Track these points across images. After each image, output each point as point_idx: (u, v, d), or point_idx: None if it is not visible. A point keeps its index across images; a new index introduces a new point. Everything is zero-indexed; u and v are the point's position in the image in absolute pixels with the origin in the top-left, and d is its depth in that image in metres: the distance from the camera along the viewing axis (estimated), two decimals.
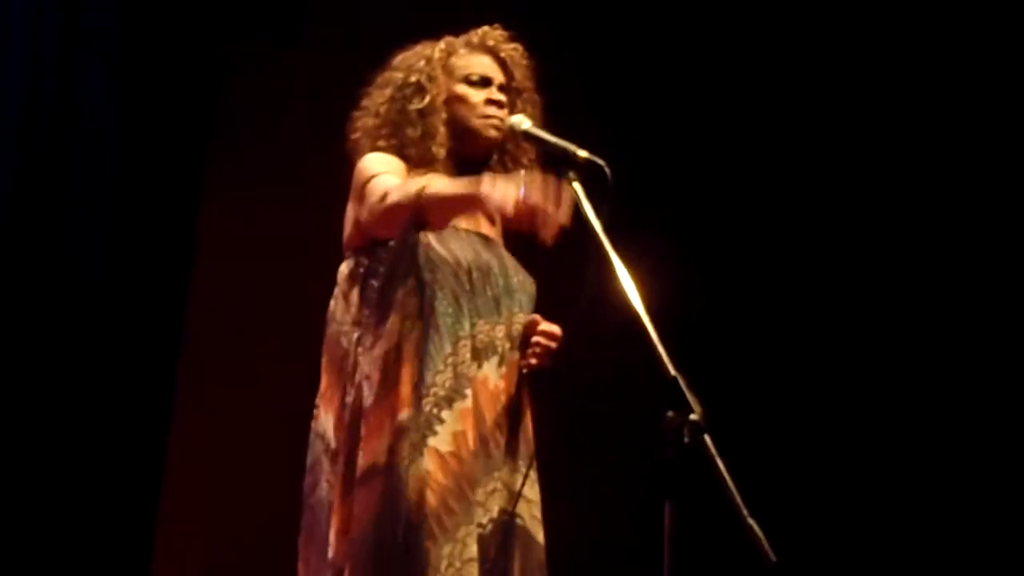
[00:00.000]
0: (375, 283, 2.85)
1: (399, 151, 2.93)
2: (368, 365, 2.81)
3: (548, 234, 2.55)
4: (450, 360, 2.80)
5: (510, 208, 2.56)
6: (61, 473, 4.00)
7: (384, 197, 2.77)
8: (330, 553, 2.75)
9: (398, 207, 2.74)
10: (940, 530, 4.93)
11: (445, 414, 2.78)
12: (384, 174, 2.85)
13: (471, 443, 2.79)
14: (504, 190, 2.57)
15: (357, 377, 2.81)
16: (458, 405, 2.79)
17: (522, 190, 2.56)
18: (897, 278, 5.14)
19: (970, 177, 5.09)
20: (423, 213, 2.73)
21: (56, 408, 4.01)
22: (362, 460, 2.74)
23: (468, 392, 2.81)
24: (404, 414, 2.75)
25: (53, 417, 4.00)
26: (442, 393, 2.78)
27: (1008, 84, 5.05)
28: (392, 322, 2.77)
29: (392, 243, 2.85)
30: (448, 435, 2.77)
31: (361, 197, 2.87)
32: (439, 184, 2.75)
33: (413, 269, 2.81)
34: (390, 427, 2.74)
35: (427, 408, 2.75)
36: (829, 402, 5.08)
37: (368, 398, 2.78)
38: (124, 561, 4.09)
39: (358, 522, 2.72)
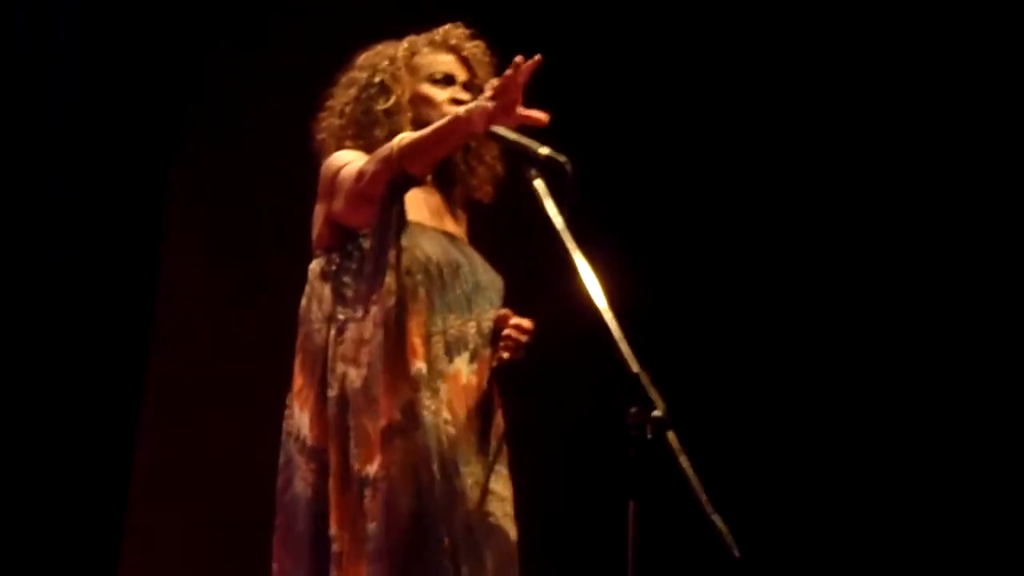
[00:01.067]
0: (347, 279, 2.85)
1: (367, 151, 2.92)
2: (356, 338, 2.79)
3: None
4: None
5: (491, 109, 2.63)
6: (26, 470, 4.00)
7: (360, 176, 2.78)
8: (334, 547, 2.74)
9: (377, 174, 2.75)
10: (905, 523, 4.93)
11: None
12: (352, 162, 2.86)
13: None
14: (479, 103, 2.66)
15: (339, 368, 2.79)
16: None
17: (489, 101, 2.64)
18: (857, 270, 5.15)
19: (924, 166, 5.11)
20: (403, 165, 2.73)
21: (24, 407, 4.00)
22: (381, 422, 2.72)
23: (442, 387, 2.81)
24: (418, 365, 2.75)
25: (21, 416, 3.99)
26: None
27: (994, 83, 5.05)
28: (389, 281, 2.76)
29: (362, 238, 2.85)
30: None
31: (331, 193, 2.88)
32: (410, 135, 2.78)
33: (400, 231, 2.79)
34: (404, 382, 2.74)
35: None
36: (792, 398, 5.08)
37: (358, 377, 2.76)
38: (92, 556, 4.08)
39: (388, 480, 2.70)
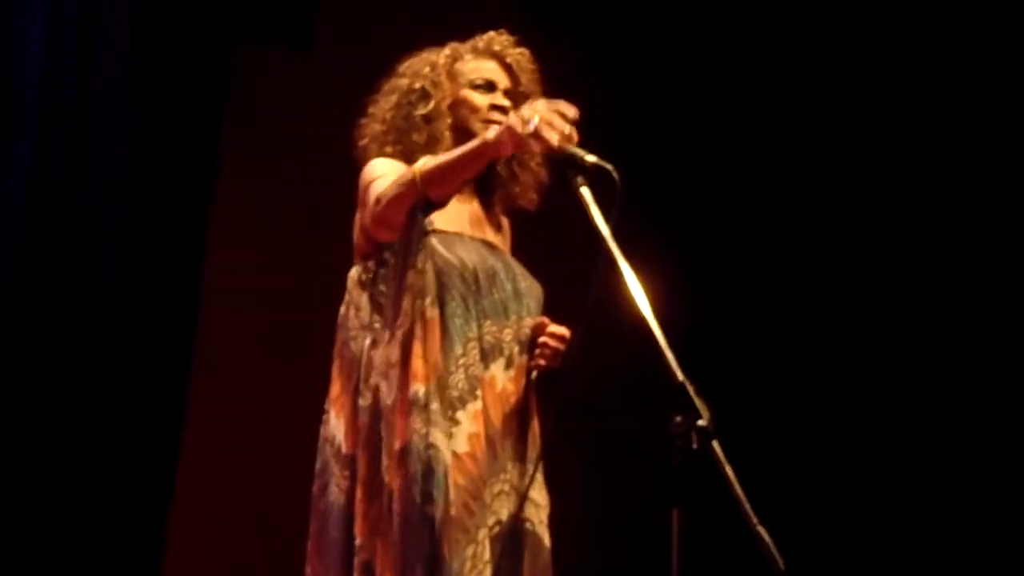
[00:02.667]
0: (384, 287, 2.85)
1: (406, 157, 2.93)
2: (384, 360, 2.79)
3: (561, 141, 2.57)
4: (461, 362, 2.80)
5: (520, 133, 2.59)
6: (73, 482, 4.01)
7: (378, 200, 2.78)
8: (360, 555, 2.74)
9: (396, 200, 2.75)
10: (949, 534, 4.91)
11: (460, 415, 2.77)
12: (383, 177, 2.85)
13: (483, 444, 2.79)
14: (508, 123, 2.62)
15: (373, 379, 2.80)
16: (471, 406, 2.80)
17: (529, 124, 2.57)
18: (907, 288, 5.13)
19: (980, 193, 5.09)
20: (425, 190, 2.72)
21: (65, 413, 4.02)
22: (397, 444, 2.74)
23: (479, 393, 2.81)
24: (416, 387, 2.74)
25: (61, 421, 4.01)
26: (455, 394, 2.78)
27: (1008, 84, 5.03)
28: (406, 305, 2.77)
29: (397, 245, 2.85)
30: (464, 437, 2.77)
31: (364, 204, 2.87)
32: (432, 159, 2.76)
33: (420, 249, 2.79)
34: (404, 403, 2.74)
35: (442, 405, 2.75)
36: (839, 408, 5.07)
37: (390, 393, 2.77)
38: (136, 556, 4.11)
39: (399, 497, 2.71)
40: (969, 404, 4.99)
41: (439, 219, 2.85)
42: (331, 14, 4.66)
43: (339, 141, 3.15)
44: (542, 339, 2.91)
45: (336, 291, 2.98)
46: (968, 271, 5.07)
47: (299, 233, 4.52)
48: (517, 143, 2.64)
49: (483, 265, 2.88)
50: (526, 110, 2.62)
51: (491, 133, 2.68)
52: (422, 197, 2.74)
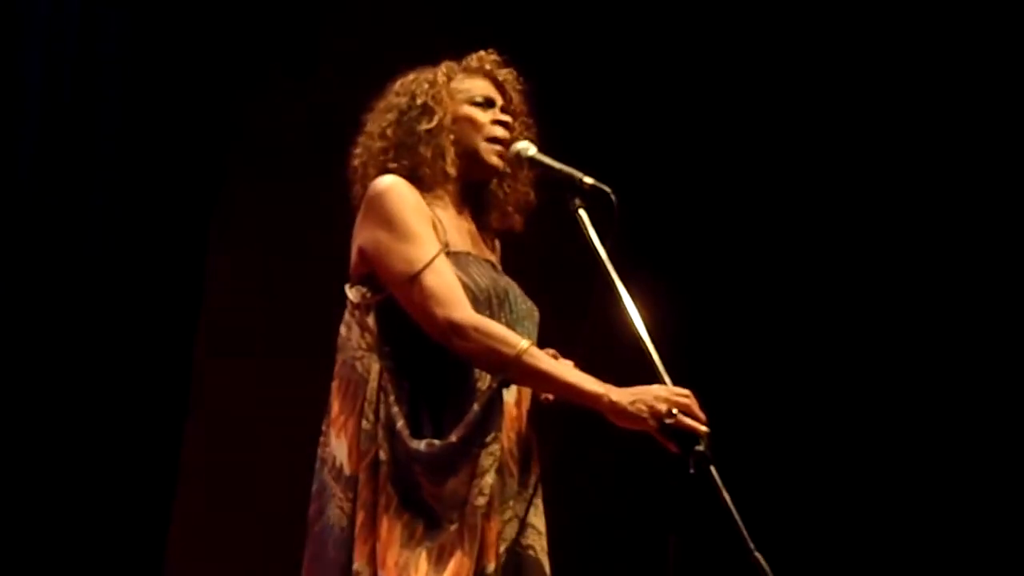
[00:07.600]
0: (388, 311, 2.83)
1: (411, 172, 2.90)
2: None
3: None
4: (477, 385, 2.78)
5: (653, 426, 2.56)
6: (71, 488, 4.05)
7: (458, 330, 2.71)
8: None
9: (487, 355, 2.71)
10: (951, 559, 4.87)
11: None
12: (436, 267, 2.76)
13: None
14: (635, 411, 2.58)
15: (382, 408, 2.75)
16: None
17: (666, 416, 2.55)
18: (901, 306, 5.12)
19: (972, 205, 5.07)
20: (514, 375, 2.72)
21: (68, 433, 4.06)
22: None
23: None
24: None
25: (60, 440, 4.04)
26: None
27: (1008, 84, 5.02)
28: None
29: None
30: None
31: (380, 221, 2.81)
32: (540, 359, 2.73)
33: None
34: None
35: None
36: (837, 433, 5.05)
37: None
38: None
39: None
40: (967, 434, 4.97)
41: (450, 236, 2.84)
42: (333, 43, 4.68)
43: (341, 169, 3.13)
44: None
45: (339, 313, 2.95)
46: (960, 295, 5.05)
47: (302, 261, 4.53)
48: (642, 428, 2.60)
49: (495, 288, 2.86)
50: (658, 403, 2.58)
51: (616, 396, 2.63)
52: (505, 374, 2.72)
